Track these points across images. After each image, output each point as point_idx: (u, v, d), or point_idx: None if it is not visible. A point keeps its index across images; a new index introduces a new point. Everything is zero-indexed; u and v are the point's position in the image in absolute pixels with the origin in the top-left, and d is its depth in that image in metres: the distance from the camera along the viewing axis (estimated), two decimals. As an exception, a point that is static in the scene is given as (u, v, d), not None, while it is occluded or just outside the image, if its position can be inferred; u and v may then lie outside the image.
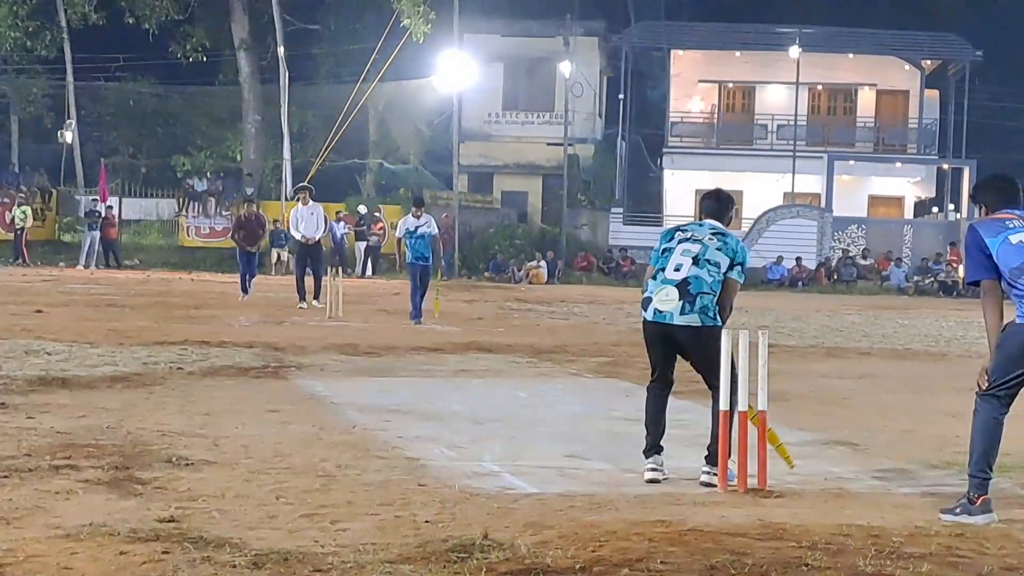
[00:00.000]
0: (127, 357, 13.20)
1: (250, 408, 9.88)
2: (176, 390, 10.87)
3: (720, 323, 7.45)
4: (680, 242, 7.62)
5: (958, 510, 6.44)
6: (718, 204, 7.89)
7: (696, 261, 7.45)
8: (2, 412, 9.14)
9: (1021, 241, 6.57)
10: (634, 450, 7.72)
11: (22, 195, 41.26)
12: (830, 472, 7.81)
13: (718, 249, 7.50)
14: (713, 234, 7.62)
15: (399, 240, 19.83)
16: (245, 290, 24.35)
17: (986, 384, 6.64)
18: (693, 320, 7.37)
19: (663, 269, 7.54)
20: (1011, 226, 6.65)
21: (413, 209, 20.12)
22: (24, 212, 39.33)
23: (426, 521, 6.07)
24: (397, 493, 6.75)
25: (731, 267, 7.50)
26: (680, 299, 7.37)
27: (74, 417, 8.99)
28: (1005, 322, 6.62)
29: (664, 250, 7.65)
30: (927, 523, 6.19)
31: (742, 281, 7.65)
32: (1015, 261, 6.55)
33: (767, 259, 42.30)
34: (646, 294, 7.56)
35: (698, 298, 7.37)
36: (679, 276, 7.42)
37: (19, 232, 39.11)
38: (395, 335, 17.54)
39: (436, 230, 20.45)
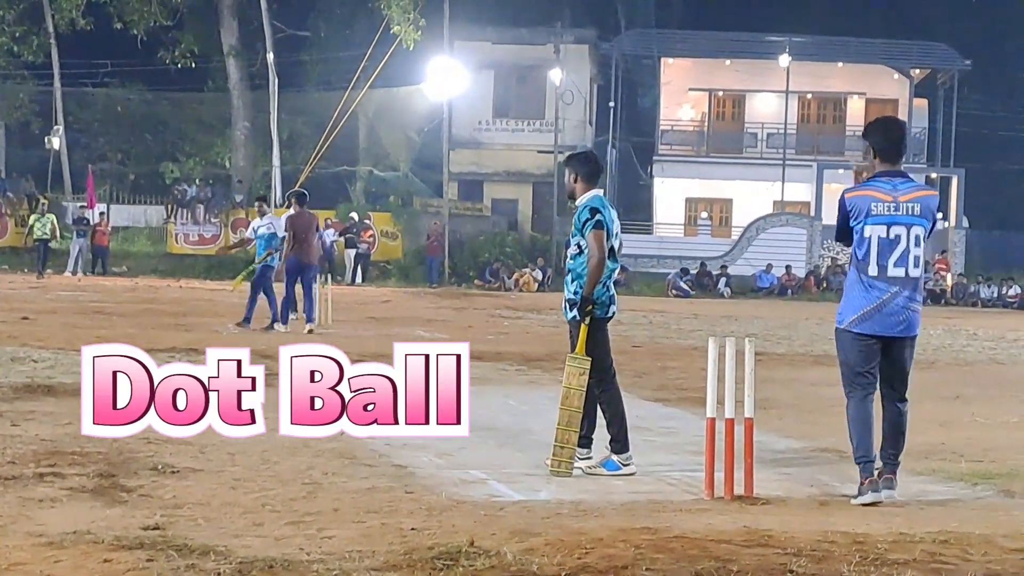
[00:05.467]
0: (114, 364, 13.12)
1: (237, 415, 9.81)
2: (163, 397, 10.80)
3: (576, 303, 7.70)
4: None
5: (858, 492, 7.05)
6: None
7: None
8: (-12, 419, 9.12)
9: (871, 236, 6.90)
10: (621, 458, 7.73)
11: (45, 203, 40.45)
12: (816, 479, 7.82)
13: (573, 225, 7.81)
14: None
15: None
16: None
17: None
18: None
19: None
20: (875, 211, 6.91)
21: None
22: (47, 221, 37.94)
23: (412, 529, 6.06)
24: (384, 501, 6.75)
25: (582, 232, 7.69)
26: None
27: (60, 424, 8.96)
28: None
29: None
30: (911, 530, 6.19)
31: (596, 229, 7.68)
32: (860, 252, 6.79)
33: (756, 267, 42.33)
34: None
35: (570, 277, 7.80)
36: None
37: (39, 243, 37.10)
38: (383, 343, 17.48)
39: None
